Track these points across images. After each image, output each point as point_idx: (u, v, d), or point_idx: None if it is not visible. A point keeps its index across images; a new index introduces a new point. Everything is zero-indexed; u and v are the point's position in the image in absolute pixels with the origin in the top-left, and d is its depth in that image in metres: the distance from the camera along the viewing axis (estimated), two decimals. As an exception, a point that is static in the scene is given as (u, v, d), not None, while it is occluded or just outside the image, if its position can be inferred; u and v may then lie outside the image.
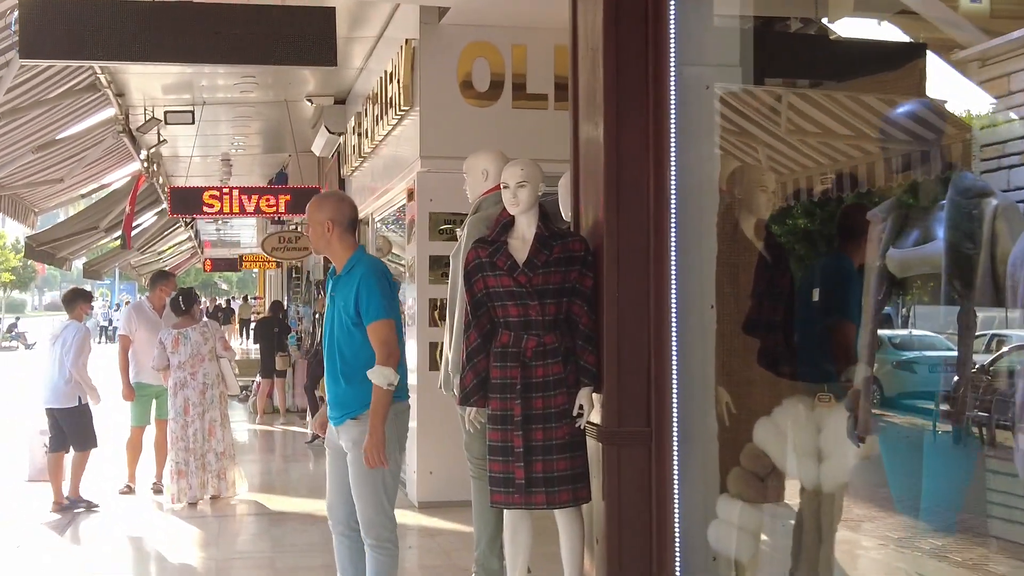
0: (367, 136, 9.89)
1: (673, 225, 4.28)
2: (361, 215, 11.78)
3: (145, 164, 14.42)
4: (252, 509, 8.41)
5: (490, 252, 4.51)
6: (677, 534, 4.29)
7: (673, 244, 4.29)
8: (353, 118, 10.92)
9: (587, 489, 4.42)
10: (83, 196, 13.83)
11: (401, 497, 8.35)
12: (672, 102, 4.28)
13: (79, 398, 8.34)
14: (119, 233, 17.32)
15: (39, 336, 38.51)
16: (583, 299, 4.42)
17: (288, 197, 13.08)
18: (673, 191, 4.28)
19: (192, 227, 24.33)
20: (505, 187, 4.56)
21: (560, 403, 4.38)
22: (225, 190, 13.19)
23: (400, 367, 4.42)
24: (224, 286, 72.13)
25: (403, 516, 7.81)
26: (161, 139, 13.09)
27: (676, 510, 4.29)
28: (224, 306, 38.53)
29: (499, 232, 4.59)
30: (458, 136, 7.58)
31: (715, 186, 4.52)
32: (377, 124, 9.23)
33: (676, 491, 4.28)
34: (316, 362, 11.81)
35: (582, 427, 4.41)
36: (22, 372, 26.97)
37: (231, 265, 33.04)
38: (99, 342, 40.68)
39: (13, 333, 38.80)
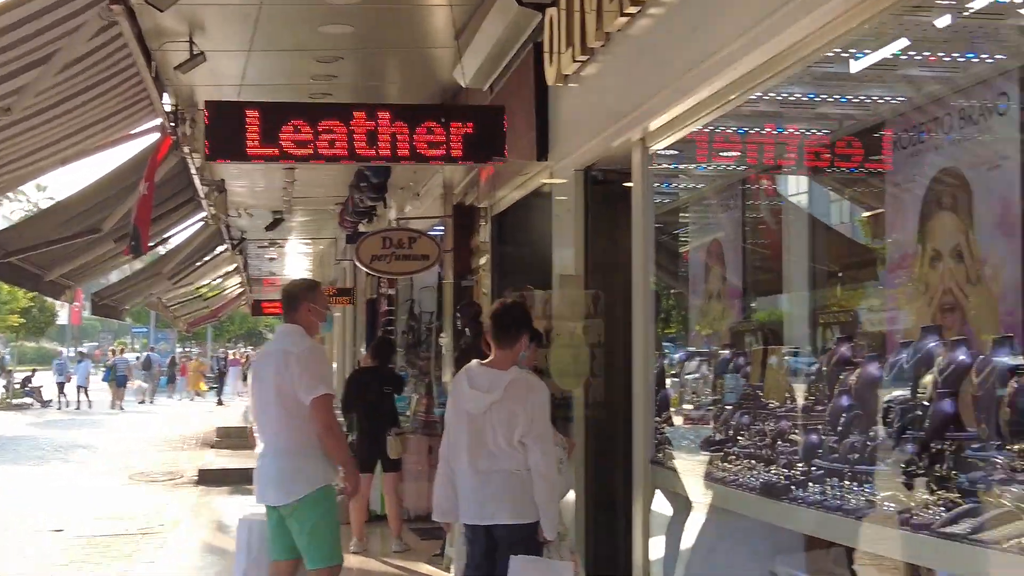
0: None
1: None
2: (617, 142, 5.65)
3: (172, 115, 8.72)
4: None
5: None
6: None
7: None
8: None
9: None
10: (63, 162, 7.93)
11: None
12: None
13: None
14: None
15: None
16: None
17: (471, 125, 6.78)
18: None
19: (241, 251, 18.62)
20: None
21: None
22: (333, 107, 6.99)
23: None
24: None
25: None
26: (195, 53, 7.40)
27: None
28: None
29: None
30: None
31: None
32: None
33: None
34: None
35: None
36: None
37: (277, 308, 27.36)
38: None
39: (27, 388, 32.93)
